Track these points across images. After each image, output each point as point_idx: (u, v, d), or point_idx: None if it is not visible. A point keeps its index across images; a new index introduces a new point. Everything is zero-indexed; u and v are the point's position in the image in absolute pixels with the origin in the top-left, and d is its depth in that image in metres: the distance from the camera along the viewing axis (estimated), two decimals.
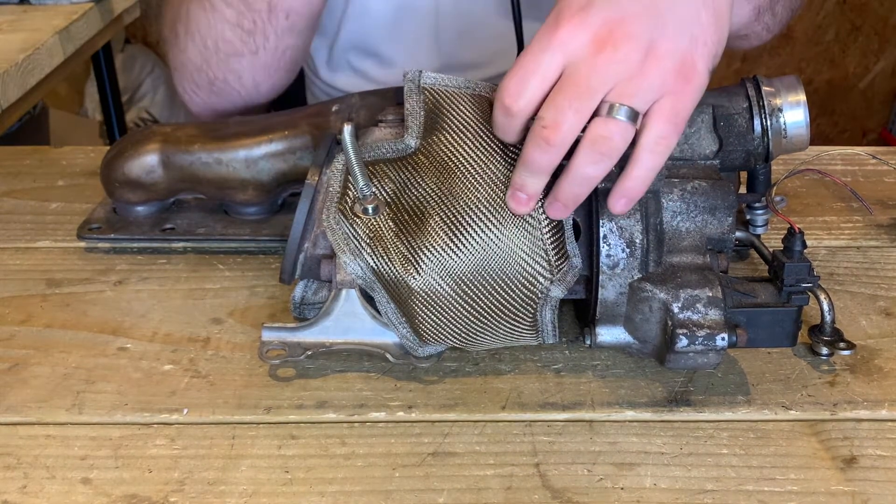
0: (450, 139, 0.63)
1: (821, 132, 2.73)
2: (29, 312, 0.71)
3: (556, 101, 0.54)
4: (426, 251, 0.60)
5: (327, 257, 0.64)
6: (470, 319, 0.61)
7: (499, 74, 0.73)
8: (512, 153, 0.62)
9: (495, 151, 0.62)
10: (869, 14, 2.62)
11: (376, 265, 0.60)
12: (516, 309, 0.61)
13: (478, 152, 0.62)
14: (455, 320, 0.61)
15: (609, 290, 0.61)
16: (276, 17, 0.85)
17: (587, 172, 0.55)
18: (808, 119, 0.66)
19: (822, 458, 0.57)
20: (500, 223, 0.60)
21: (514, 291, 0.60)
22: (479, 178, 0.61)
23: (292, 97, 1.33)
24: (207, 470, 0.56)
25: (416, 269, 0.60)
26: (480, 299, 0.60)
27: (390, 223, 0.61)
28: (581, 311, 0.68)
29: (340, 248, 0.61)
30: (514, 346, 0.66)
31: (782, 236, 0.63)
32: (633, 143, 0.55)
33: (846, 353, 0.66)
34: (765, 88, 0.67)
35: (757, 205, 0.73)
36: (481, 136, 0.63)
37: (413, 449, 0.58)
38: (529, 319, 0.62)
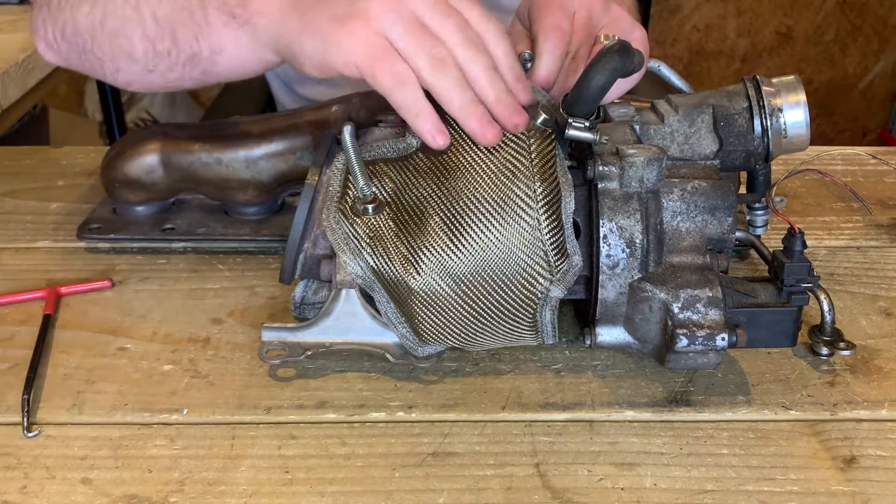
0: (453, 131, 0.63)
1: (821, 132, 2.72)
2: (29, 312, 0.71)
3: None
4: (426, 251, 0.60)
5: (327, 257, 0.64)
6: (470, 319, 0.61)
7: None
8: (511, 149, 0.63)
9: (494, 146, 0.63)
10: (869, 14, 2.62)
11: (376, 265, 0.60)
12: (516, 309, 0.61)
13: (476, 148, 0.63)
14: (455, 320, 0.61)
15: (609, 290, 0.61)
16: (193, 66, 0.74)
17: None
18: (808, 119, 0.66)
19: (822, 458, 0.57)
20: (501, 223, 0.60)
21: (513, 292, 0.60)
22: (479, 177, 0.62)
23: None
24: (207, 470, 0.56)
25: (416, 269, 0.60)
26: (480, 299, 0.60)
27: (390, 223, 0.61)
28: (581, 311, 0.68)
29: (340, 247, 0.61)
30: (514, 347, 0.66)
31: (782, 236, 0.63)
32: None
33: (846, 353, 0.66)
34: (765, 88, 0.67)
35: (757, 205, 0.73)
36: None
37: (413, 449, 0.58)
38: (529, 320, 0.62)
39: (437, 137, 0.62)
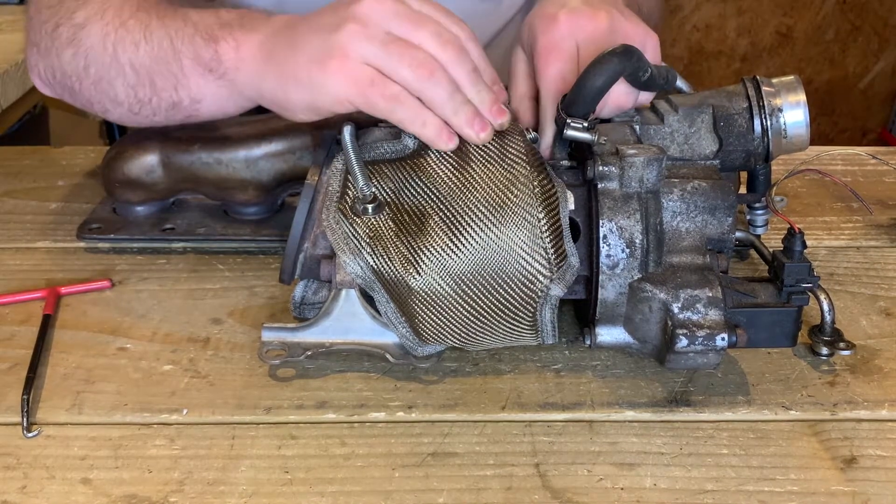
0: None
1: (821, 132, 2.72)
2: (29, 312, 0.71)
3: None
4: (427, 251, 0.60)
5: (327, 257, 0.64)
6: (470, 319, 0.61)
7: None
8: (509, 149, 0.63)
9: (493, 146, 0.63)
10: (869, 14, 2.62)
11: (376, 265, 0.60)
12: (516, 308, 0.61)
13: (475, 148, 0.63)
14: (455, 320, 0.61)
15: (609, 291, 0.61)
16: (176, 112, 0.74)
17: None
18: (808, 119, 0.66)
19: (822, 458, 0.57)
20: (500, 223, 0.60)
21: (514, 290, 0.60)
22: (478, 177, 0.62)
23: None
24: (207, 470, 0.56)
25: (416, 269, 0.60)
26: (481, 299, 0.60)
27: (390, 223, 0.61)
28: (581, 311, 0.68)
29: (340, 247, 0.61)
30: (514, 346, 0.66)
31: (782, 236, 0.63)
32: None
33: (846, 353, 0.66)
34: (765, 88, 0.67)
35: (757, 205, 0.73)
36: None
37: (413, 449, 0.58)
38: (529, 319, 0.62)
39: (448, 142, 0.63)
